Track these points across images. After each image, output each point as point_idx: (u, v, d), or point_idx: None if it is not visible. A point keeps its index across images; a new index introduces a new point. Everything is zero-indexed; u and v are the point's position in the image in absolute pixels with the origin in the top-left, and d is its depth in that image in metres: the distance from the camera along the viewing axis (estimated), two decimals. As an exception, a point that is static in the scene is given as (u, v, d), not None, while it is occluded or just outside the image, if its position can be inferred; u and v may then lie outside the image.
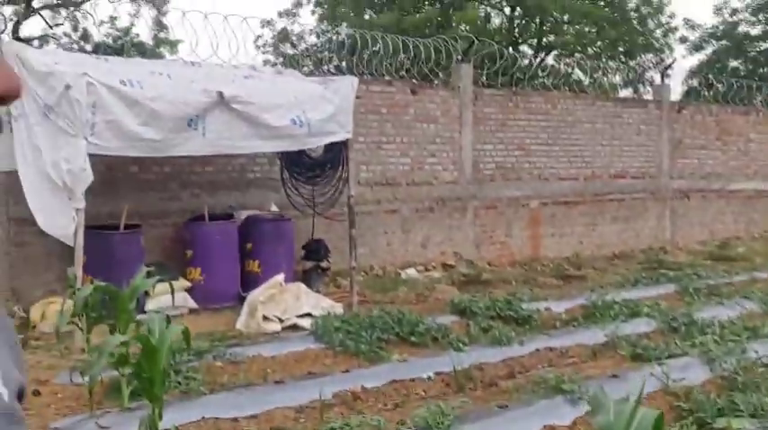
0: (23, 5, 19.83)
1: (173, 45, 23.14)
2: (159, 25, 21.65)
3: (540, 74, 14.31)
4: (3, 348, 0.87)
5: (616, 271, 10.33)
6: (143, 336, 3.80)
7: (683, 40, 25.83)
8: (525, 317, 6.84)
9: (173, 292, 5.69)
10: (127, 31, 22.57)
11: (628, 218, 12.08)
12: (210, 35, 7.92)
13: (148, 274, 5.00)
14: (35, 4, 21.15)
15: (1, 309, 0.94)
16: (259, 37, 21.91)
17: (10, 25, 17.55)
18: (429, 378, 5.14)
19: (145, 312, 5.83)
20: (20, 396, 0.88)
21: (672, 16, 23.62)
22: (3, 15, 18.74)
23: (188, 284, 7.19)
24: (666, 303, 7.56)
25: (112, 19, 22.99)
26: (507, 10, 22.45)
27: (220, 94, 6.32)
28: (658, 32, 23.34)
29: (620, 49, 22.56)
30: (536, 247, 10.94)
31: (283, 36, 22.17)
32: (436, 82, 10.64)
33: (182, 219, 7.68)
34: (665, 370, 4.89)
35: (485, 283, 8.99)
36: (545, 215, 11.08)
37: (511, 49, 21.22)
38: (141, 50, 20.39)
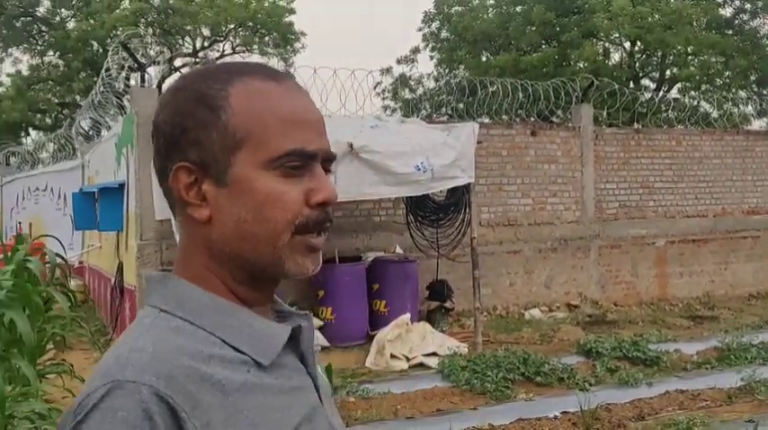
0: (166, 64, 21.65)
1: (299, 95, 24.41)
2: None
3: (664, 108, 14.02)
4: None
5: (752, 311, 9.87)
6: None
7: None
8: (653, 358, 6.74)
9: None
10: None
11: (763, 255, 11.51)
12: (339, 89, 8.47)
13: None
14: (177, 63, 23.05)
15: None
16: (378, 83, 22.74)
17: (155, 83, 19.20)
18: (555, 417, 5.22)
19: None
20: None
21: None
22: (149, 74, 20.58)
23: (320, 323, 7.61)
24: (809, 346, 7.19)
25: (244, 73, 24.59)
26: (627, 45, 22.10)
27: (350, 145, 6.76)
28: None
29: (752, 78, 21.59)
30: (663, 287, 10.64)
31: (402, 82, 22.83)
32: (556, 121, 10.72)
33: (313, 262, 8.14)
34: (805, 415, 4.73)
35: (610, 324, 8.88)
36: (672, 254, 10.79)
37: (632, 83, 20.90)
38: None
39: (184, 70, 23.11)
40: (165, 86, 21.41)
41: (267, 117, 0.87)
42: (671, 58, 21.67)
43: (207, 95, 0.87)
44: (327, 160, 0.92)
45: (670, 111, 13.31)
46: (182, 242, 0.93)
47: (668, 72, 22.23)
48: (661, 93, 21.16)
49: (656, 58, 22.17)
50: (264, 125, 0.86)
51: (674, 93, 21.94)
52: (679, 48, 20.15)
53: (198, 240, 0.90)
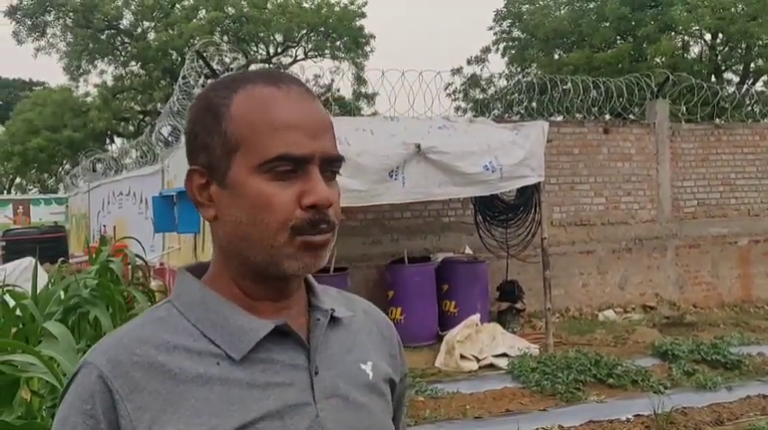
0: (241, 71, 22.23)
1: (369, 98, 24.70)
2: (359, 80, 23.17)
3: (747, 102, 13.45)
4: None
5: None
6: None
7: None
8: (734, 361, 6.49)
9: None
10: (329, 87, 24.41)
11: None
12: (407, 91, 8.53)
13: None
14: (251, 69, 23.59)
15: None
16: (449, 84, 22.68)
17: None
18: (628, 420, 5.11)
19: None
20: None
21: None
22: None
23: (390, 323, 7.66)
24: None
25: (316, 77, 25.04)
26: (708, 37, 21.31)
27: (418, 146, 6.79)
28: None
29: None
30: (747, 288, 10.22)
31: (473, 82, 22.70)
32: (631, 118, 10.45)
33: (383, 262, 8.23)
34: None
35: (688, 326, 8.59)
36: (756, 253, 10.34)
37: (713, 77, 20.13)
38: (341, 104, 21.94)
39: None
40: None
41: (259, 122, 0.91)
42: (756, 49, 20.76)
43: (213, 103, 0.94)
44: (329, 162, 0.95)
45: (754, 106, 12.75)
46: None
47: (752, 64, 21.32)
48: (745, 86, 20.31)
49: (739, 50, 21.30)
50: (256, 130, 0.91)
51: (758, 86, 21.03)
52: (764, 38, 19.29)
53: (214, 237, 0.98)
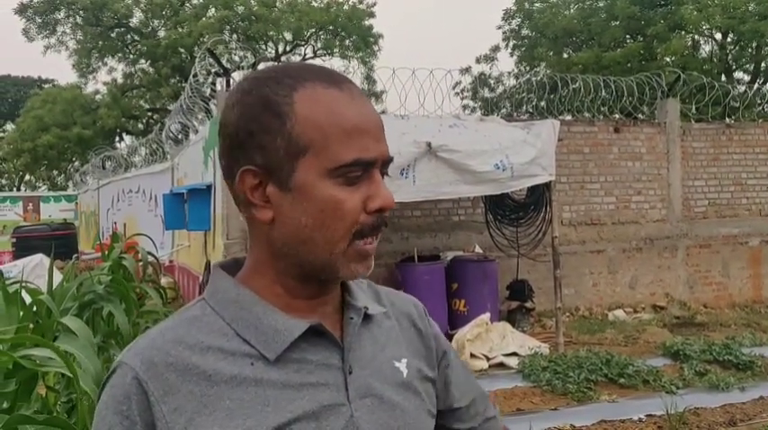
0: (250, 69, 22.26)
1: (378, 96, 24.69)
2: (368, 79, 23.17)
3: (759, 101, 13.38)
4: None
5: None
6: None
7: None
8: (746, 362, 6.46)
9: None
10: (338, 86, 24.39)
11: None
12: (417, 89, 8.52)
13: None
14: (260, 67, 23.64)
15: None
16: (458, 83, 22.67)
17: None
18: (640, 420, 5.10)
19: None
20: None
21: None
22: (234, 79, 21.19)
23: (400, 321, 7.66)
24: None
25: (325, 76, 25.04)
26: (718, 36, 21.21)
27: (428, 145, 6.78)
28: None
29: None
30: (758, 288, 10.17)
31: (482, 81, 22.67)
32: (641, 117, 10.41)
33: (393, 261, 8.23)
34: None
35: (699, 326, 8.56)
36: (767, 253, 10.29)
37: (724, 77, 20.05)
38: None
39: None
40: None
41: (329, 126, 0.89)
42: (766, 48, 20.67)
43: (273, 101, 0.91)
44: (385, 164, 0.95)
45: (765, 105, 12.68)
46: (249, 234, 0.99)
47: (763, 63, 21.22)
48: (756, 85, 20.22)
49: (750, 50, 21.20)
50: (327, 134, 0.89)
51: (769, 85, 20.91)
52: (775, 38, 19.20)
53: (260, 236, 0.96)
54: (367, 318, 1.02)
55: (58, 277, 4.77)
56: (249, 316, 0.93)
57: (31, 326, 3.25)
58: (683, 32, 20.30)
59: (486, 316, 7.37)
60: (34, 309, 3.43)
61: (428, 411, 1.05)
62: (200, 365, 0.89)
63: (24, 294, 3.36)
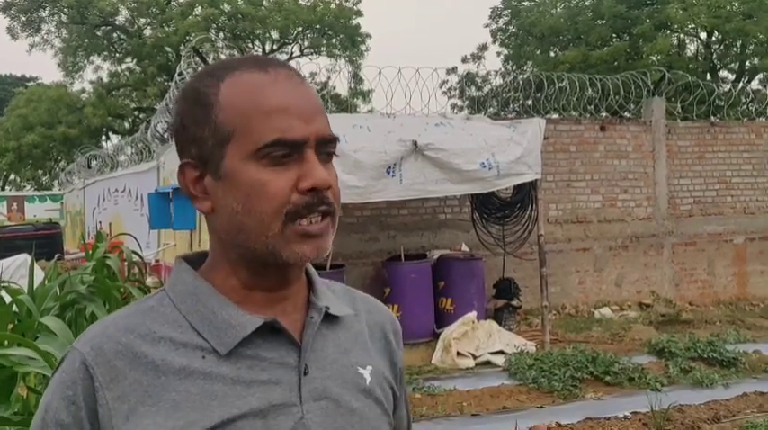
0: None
1: (365, 95, 24.68)
2: (355, 78, 23.16)
3: (743, 100, 13.49)
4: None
5: (840, 312, 9.39)
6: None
7: None
8: (730, 359, 6.50)
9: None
10: (325, 84, 24.41)
11: None
12: (404, 87, 8.51)
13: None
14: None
15: None
16: (444, 82, 22.68)
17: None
18: (625, 417, 5.12)
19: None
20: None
21: None
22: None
23: (386, 320, 7.65)
24: None
25: (312, 74, 25.00)
26: (703, 36, 21.35)
27: (414, 143, 6.78)
28: None
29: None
30: (742, 286, 10.25)
31: (469, 80, 22.70)
32: (627, 116, 10.46)
33: (380, 259, 8.23)
34: None
35: (684, 323, 8.61)
36: (752, 251, 10.37)
37: (709, 76, 20.18)
38: (337, 102, 21.91)
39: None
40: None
41: (250, 109, 0.89)
42: (751, 47, 20.83)
43: (201, 94, 0.92)
44: (324, 143, 0.92)
45: (749, 104, 12.77)
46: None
47: (748, 63, 21.37)
48: (740, 84, 20.36)
49: (735, 49, 21.35)
50: (247, 117, 0.88)
51: (754, 84, 21.09)
52: (760, 37, 19.34)
53: (210, 229, 0.97)
54: (334, 320, 1.00)
55: (41, 277, 4.73)
56: (204, 309, 0.92)
57: (11, 326, 3.21)
58: (668, 31, 20.43)
59: (472, 314, 7.38)
60: (14, 308, 3.39)
61: (388, 422, 1.02)
62: (150, 355, 0.88)
63: (4, 294, 3.32)
